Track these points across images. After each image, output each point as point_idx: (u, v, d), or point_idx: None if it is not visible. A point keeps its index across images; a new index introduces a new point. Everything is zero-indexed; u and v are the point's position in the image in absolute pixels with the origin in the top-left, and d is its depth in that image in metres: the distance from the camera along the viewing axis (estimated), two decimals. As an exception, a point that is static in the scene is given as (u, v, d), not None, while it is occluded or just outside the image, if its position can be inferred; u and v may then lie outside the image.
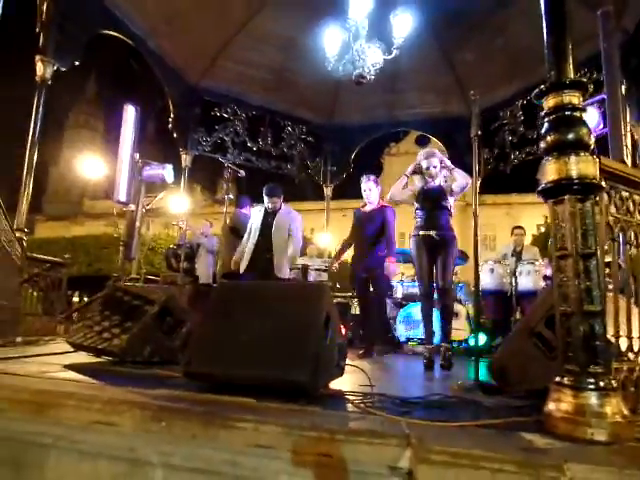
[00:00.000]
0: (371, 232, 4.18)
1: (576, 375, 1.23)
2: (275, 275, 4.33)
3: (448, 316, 3.48)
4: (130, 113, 4.51)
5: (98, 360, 2.41)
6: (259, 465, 1.30)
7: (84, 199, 48.06)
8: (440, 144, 7.24)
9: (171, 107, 6.61)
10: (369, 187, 4.26)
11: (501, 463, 1.01)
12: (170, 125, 6.73)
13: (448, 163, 3.63)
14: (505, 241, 7.54)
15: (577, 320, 1.25)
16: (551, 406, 1.26)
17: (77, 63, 4.79)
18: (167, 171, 4.31)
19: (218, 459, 1.35)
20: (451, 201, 3.58)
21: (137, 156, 4.53)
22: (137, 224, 4.41)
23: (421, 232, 3.50)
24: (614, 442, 1.14)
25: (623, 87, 3.05)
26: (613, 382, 1.22)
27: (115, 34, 5.40)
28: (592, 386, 1.20)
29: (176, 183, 6.38)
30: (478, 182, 5.06)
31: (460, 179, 3.49)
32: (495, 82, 6.26)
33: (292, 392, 1.58)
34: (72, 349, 2.59)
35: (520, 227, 5.89)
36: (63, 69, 4.63)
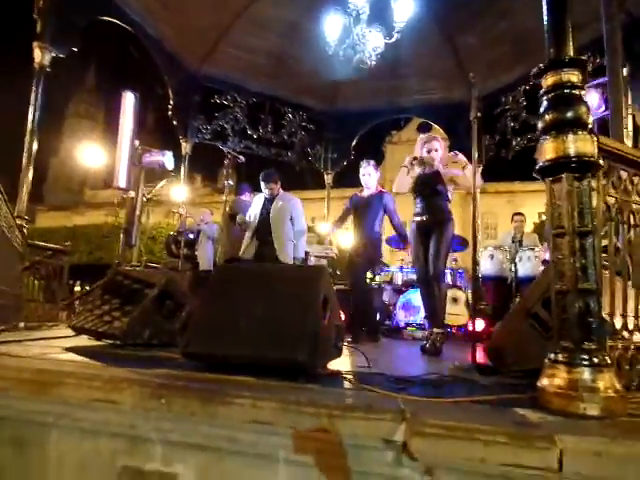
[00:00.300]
0: (369, 218, 4.17)
1: (570, 351, 1.24)
2: (277, 261, 4.34)
3: (440, 301, 3.47)
4: (129, 100, 4.48)
5: (99, 343, 2.43)
6: (258, 441, 1.33)
7: (85, 189, 48.07)
8: (442, 131, 7.19)
9: (171, 94, 6.55)
10: (368, 172, 4.25)
11: (494, 435, 1.02)
12: (170, 113, 6.69)
13: (462, 157, 3.56)
14: (506, 229, 7.54)
15: (572, 297, 1.25)
16: (545, 382, 1.28)
17: (75, 49, 4.74)
18: (167, 157, 4.30)
19: (217, 435, 1.37)
20: (450, 187, 3.56)
21: (137, 143, 4.51)
22: (137, 211, 4.42)
23: (417, 218, 3.50)
24: (606, 417, 1.15)
25: (625, 70, 3.02)
26: (607, 358, 1.23)
27: (114, 20, 5.34)
28: (586, 362, 1.21)
29: (176, 172, 6.37)
30: (479, 169, 5.06)
31: (468, 180, 3.42)
32: (497, 68, 6.20)
33: (291, 372, 1.60)
34: (74, 333, 2.62)
35: (520, 213, 5.88)
36: (61, 56, 4.60)
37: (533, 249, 4.93)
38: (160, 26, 5.96)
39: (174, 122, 6.79)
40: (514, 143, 6.35)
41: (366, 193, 4.28)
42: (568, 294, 1.27)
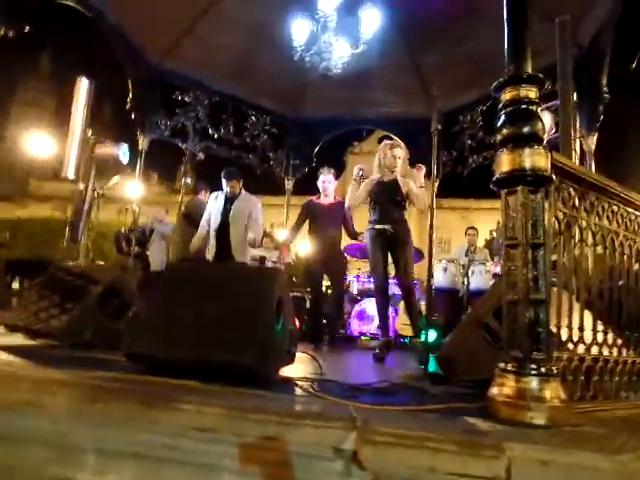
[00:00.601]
0: (332, 227, 4.16)
1: (519, 361, 1.25)
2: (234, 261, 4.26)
3: (415, 311, 3.50)
4: (83, 86, 4.26)
5: (33, 343, 2.25)
6: (200, 449, 1.25)
7: (30, 179, 45.29)
8: (403, 144, 7.32)
9: (130, 87, 6.31)
10: (328, 179, 4.27)
11: (442, 443, 1.01)
12: (128, 106, 6.43)
13: (422, 174, 3.59)
14: (460, 244, 7.79)
15: (523, 307, 1.28)
16: (494, 391, 1.29)
17: (26, 29, 4.48)
18: (122, 150, 4.11)
19: (156, 443, 1.28)
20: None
21: (90, 132, 4.29)
22: (86, 205, 4.19)
23: (376, 226, 3.51)
24: (552, 426, 1.17)
25: (575, 96, 3.20)
26: (554, 368, 1.26)
27: (69, 3, 5.07)
28: (534, 372, 1.23)
29: (131, 167, 6.12)
30: (436, 184, 5.12)
31: (423, 200, 3.44)
32: (456, 88, 6.38)
33: (239, 376, 1.54)
34: (4, 331, 2.42)
35: (473, 228, 6.07)
36: (10, 35, 4.32)
37: (484, 263, 5.10)
38: (121, 14, 5.72)
39: (132, 116, 6.53)
40: (470, 160, 6.57)
41: (326, 201, 4.28)
42: (519, 304, 1.29)
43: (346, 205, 3.79)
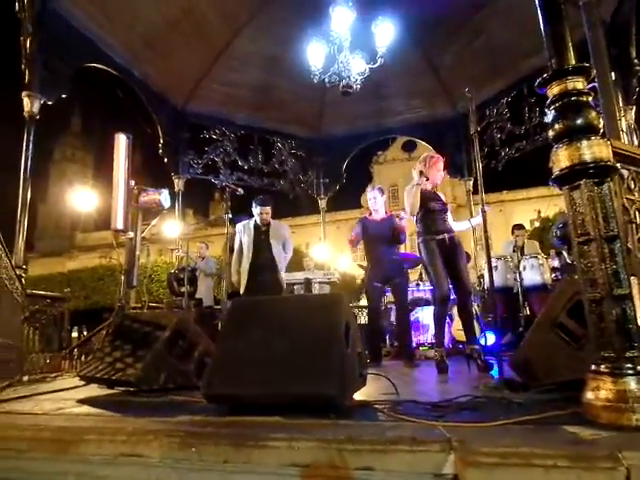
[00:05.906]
0: (387, 241, 4.17)
1: (613, 361, 1.20)
2: (280, 288, 4.33)
3: (472, 317, 3.47)
4: (122, 141, 4.48)
5: (111, 392, 2.34)
6: (295, 485, 1.26)
7: (76, 233, 47.70)
8: (429, 147, 7.27)
9: (160, 133, 6.61)
10: (374, 196, 4.32)
11: (553, 459, 0.97)
12: (160, 151, 6.72)
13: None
14: (501, 239, 7.55)
15: (608, 305, 1.22)
16: (590, 395, 1.23)
17: (64, 96, 4.80)
18: (164, 196, 4.27)
19: (249, 483, 1.30)
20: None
21: (132, 183, 4.50)
22: (137, 251, 4.36)
23: (438, 237, 3.43)
24: (661, 427, 1.11)
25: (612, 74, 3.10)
26: (651, 365, 1.20)
27: (100, 66, 5.42)
28: (631, 371, 1.17)
29: (169, 208, 6.35)
30: (471, 181, 5.08)
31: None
32: (479, 82, 6.31)
33: (318, 407, 1.54)
34: (81, 383, 2.53)
35: (521, 227, 5.77)
36: (49, 103, 4.64)
37: (536, 257, 4.91)
38: (145, 67, 6.05)
39: (165, 160, 6.82)
40: (503, 154, 6.44)
41: (378, 217, 4.32)
42: (603, 302, 1.24)
43: (407, 212, 3.59)
